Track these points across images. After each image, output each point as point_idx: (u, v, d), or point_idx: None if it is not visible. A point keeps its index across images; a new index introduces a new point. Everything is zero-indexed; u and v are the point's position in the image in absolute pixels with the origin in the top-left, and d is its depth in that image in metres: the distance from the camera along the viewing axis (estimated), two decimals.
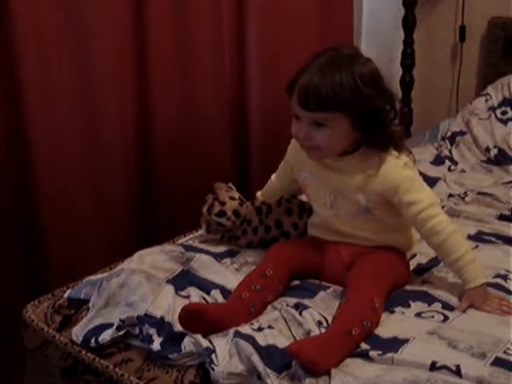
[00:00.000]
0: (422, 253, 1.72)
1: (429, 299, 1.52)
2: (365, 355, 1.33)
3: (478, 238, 1.82)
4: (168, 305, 1.48)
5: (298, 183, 1.68)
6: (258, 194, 1.82)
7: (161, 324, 1.44)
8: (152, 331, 1.43)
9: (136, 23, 2.11)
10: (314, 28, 2.62)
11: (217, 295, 1.52)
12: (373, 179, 1.52)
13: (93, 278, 1.69)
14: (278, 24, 2.47)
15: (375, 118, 1.48)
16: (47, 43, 1.91)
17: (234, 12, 2.38)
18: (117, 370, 1.43)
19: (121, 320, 1.45)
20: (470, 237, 1.81)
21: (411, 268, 1.65)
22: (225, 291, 1.53)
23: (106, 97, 2.07)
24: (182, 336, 1.40)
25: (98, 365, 1.45)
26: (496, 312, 1.45)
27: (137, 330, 1.46)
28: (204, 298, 1.51)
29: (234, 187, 1.78)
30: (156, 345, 1.41)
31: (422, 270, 1.65)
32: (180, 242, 1.82)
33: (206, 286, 1.55)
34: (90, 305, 1.56)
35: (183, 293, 1.53)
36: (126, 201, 2.19)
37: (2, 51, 1.85)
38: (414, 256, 1.71)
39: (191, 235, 1.88)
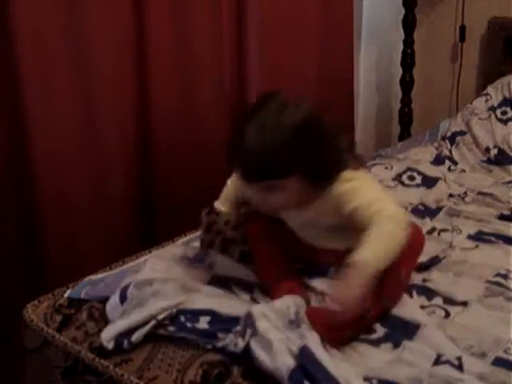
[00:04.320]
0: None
1: (429, 294, 1.53)
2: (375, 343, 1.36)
3: (478, 237, 1.82)
4: (212, 301, 1.47)
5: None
6: (216, 204, 1.70)
7: (203, 311, 1.44)
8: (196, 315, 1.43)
9: (136, 23, 2.11)
10: (314, 28, 2.62)
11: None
12: (320, 208, 1.48)
13: (93, 277, 1.69)
14: (278, 24, 2.47)
15: (322, 164, 1.42)
16: (47, 43, 1.91)
17: (234, 12, 2.38)
18: (117, 370, 1.43)
19: (156, 319, 1.44)
20: (470, 236, 1.82)
21: None
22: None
23: (106, 96, 2.07)
24: (231, 320, 1.40)
25: (98, 365, 1.45)
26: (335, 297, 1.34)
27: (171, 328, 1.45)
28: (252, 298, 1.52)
29: (222, 210, 1.70)
30: (202, 323, 1.41)
31: (423, 269, 1.64)
32: (181, 241, 1.83)
33: (244, 284, 1.56)
34: (110, 310, 1.53)
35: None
36: (125, 201, 2.19)
37: (1, 51, 1.85)
38: None
39: (191, 235, 1.88)
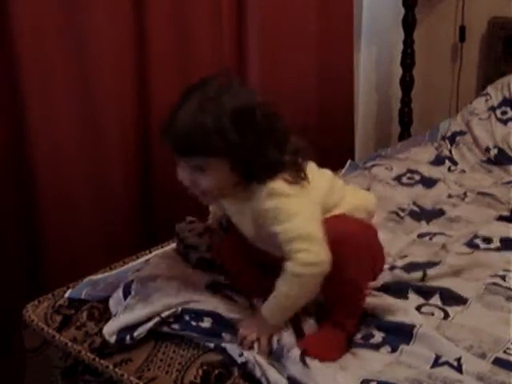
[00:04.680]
0: (415, 254, 1.72)
1: (426, 295, 1.53)
2: (374, 347, 1.36)
3: (477, 238, 1.82)
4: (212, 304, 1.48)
5: None
6: (210, 218, 1.73)
7: (207, 312, 1.45)
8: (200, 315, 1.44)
9: (136, 23, 2.11)
10: (314, 28, 2.62)
11: None
12: (254, 215, 1.42)
13: (93, 277, 1.69)
14: (278, 24, 2.47)
15: (252, 154, 1.37)
16: (47, 43, 1.91)
17: (234, 12, 2.38)
18: (117, 370, 1.43)
19: (160, 316, 1.45)
20: (466, 240, 1.81)
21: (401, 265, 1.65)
22: None
23: (106, 96, 2.07)
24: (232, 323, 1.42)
25: (98, 365, 1.45)
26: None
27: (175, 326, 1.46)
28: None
29: (193, 218, 1.73)
30: (207, 323, 1.41)
31: (417, 270, 1.63)
32: None
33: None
34: (113, 304, 1.54)
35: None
36: (126, 201, 2.19)
37: (1, 51, 1.85)
38: (404, 256, 1.71)
39: None
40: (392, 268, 1.63)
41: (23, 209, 1.99)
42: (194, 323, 1.43)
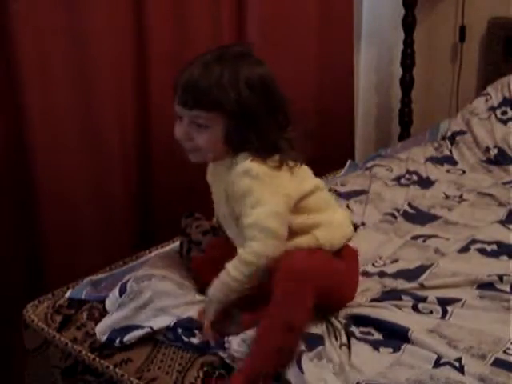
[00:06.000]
0: (404, 259, 1.72)
1: (420, 296, 1.51)
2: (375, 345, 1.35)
3: (475, 240, 1.81)
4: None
5: None
6: (214, 220, 1.71)
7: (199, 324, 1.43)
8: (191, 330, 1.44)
9: (136, 23, 2.10)
10: (314, 28, 2.62)
11: None
12: (228, 186, 1.44)
13: (93, 278, 1.69)
14: (278, 24, 2.46)
15: (249, 123, 1.40)
16: (47, 43, 1.91)
17: (234, 12, 2.38)
18: (117, 370, 1.43)
19: (152, 328, 1.45)
20: (462, 244, 1.79)
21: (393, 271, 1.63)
22: None
23: (106, 96, 2.07)
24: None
25: (98, 365, 1.45)
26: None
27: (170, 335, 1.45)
28: None
29: (200, 215, 1.72)
30: (198, 338, 1.41)
31: (412, 278, 1.61)
32: None
33: None
34: (109, 303, 1.55)
35: None
36: (125, 201, 2.19)
37: (1, 51, 1.85)
38: (395, 260, 1.70)
39: None
40: (381, 275, 1.62)
41: (23, 209, 1.98)
42: (185, 339, 1.43)
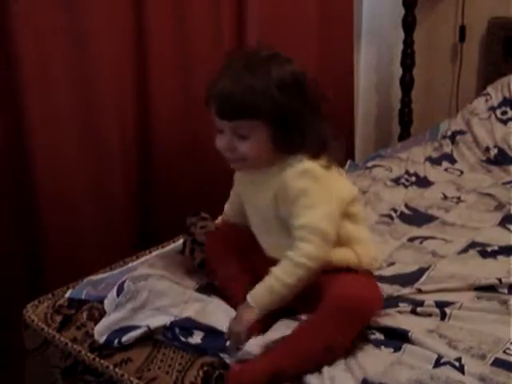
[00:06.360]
0: (401, 262, 1.71)
1: (417, 301, 1.51)
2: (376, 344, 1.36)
3: (474, 243, 1.81)
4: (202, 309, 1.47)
5: None
6: (226, 205, 1.68)
7: (198, 324, 1.43)
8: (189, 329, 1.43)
9: (136, 23, 2.11)
10: (314, 28, 2.62)
11: None
12: (280, 189, 1.40)
13: (93, 278, 1.69)
14: (278, 24, 2.46)
15: (293, 125, 1.38)
16: (47, 43, 1.91)
17: (234, 12, 2.38)
18: (117, 370, 1.43)
19: (149, 327, 1.44)
20: (461, 246, 1.79)
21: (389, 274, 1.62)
22: None
23: (106, 97, 2.07)
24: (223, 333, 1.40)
25: (98, 365, 1.45)
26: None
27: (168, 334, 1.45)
28: None
29: (207, 215, 1.71)
30: (196, 338, 1.41)
31: (408, 282, 1.60)
32: (181, 241, 1.82)
33: None
34: (107, 304, 1.55)
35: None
36: (125, 201, 2.19)
37: (1, 51, 1.85)
38: (392, 264, 1.69)
39: None
40: (378, 279, 1.59)
41: (23, 209, 1.99)
42: (183, 339, 1.42)
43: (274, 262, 1.41)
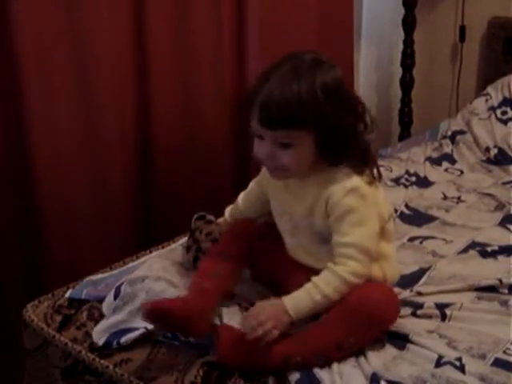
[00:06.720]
0: (401, 262, 1.69)
1: (418, 304, 1.50)
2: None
3: (474, 243, 1.81)
4: None
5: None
6: (227, 211, 1.67)
7: None
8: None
9: (136, 23, 2.11)
10: (314, 28, 2.62)
11: None
12: (319, 201, 1.38)
13: (93, 278, 1.69)
14: (278, 24, 2.46)
15: (339, 134, 1.34)
16: (47, 43, 1.91)
17: (234, 12, 2.38)
18: (117, 369, 1.43)
19: (146, 329, 1.44)
20: (461, 247, 1.79)
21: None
22: None
23: (106, 97, 2.07)
24: None
25: (98, 365, 1.45)
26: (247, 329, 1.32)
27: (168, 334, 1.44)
28: None
29: (213, 218, 1.67)
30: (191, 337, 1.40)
31: (409, 284, 1.60)
32: (181, 241, 1.82)
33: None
34: (105, 307, 1.55)
35: None
36: (125, 201, 2.19)
37: (1, 51, 1.85)
38: None
39: None
40: None
41: (23, 209, 1.99)
42: (183, 338, 1.42)
43: (294, 263, 1.45)
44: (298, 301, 1.34)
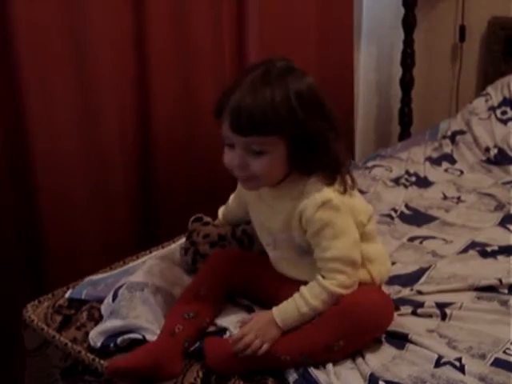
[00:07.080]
0: (401, 262, 1.71)
1: (417, 303, 1.51)
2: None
3: (474, 243, 1.81)
4: None
5: None
6: (220, 212, 1.68)
7: None
8: None
9: (136, 23, 2.10)
10: (314, 28, 2.62)
11: None
12: (293, 214, 1.36)
13: (93, 278, 1.69)
14: (278, 24, 2.46)
15: (312, 141, 1.32)
16: (47, 43, 1.91)
17: (234, 12, 2.38)
18: None
19: (143, 337, 1.43)
20: (461, 247, 1.79)
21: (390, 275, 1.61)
22: None
23: (106, 97, 2.07)
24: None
25: (98, 365, 1.45)
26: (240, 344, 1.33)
27: None
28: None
29: (210, 220, 1.67)
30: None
31: (408, 283, 1.60)
32: (181, 241, 1.82)
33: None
34: (103, 309, 1.54)
35: None
36: (126, 201, 2.19)
37: (1, 51, 1.85)
38: (392, 263, 1.66)
39: None
40: None
41: (23, 209, 1.99)
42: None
43: (280, 276, 1.45)
44: (286, 313, 1.34)
